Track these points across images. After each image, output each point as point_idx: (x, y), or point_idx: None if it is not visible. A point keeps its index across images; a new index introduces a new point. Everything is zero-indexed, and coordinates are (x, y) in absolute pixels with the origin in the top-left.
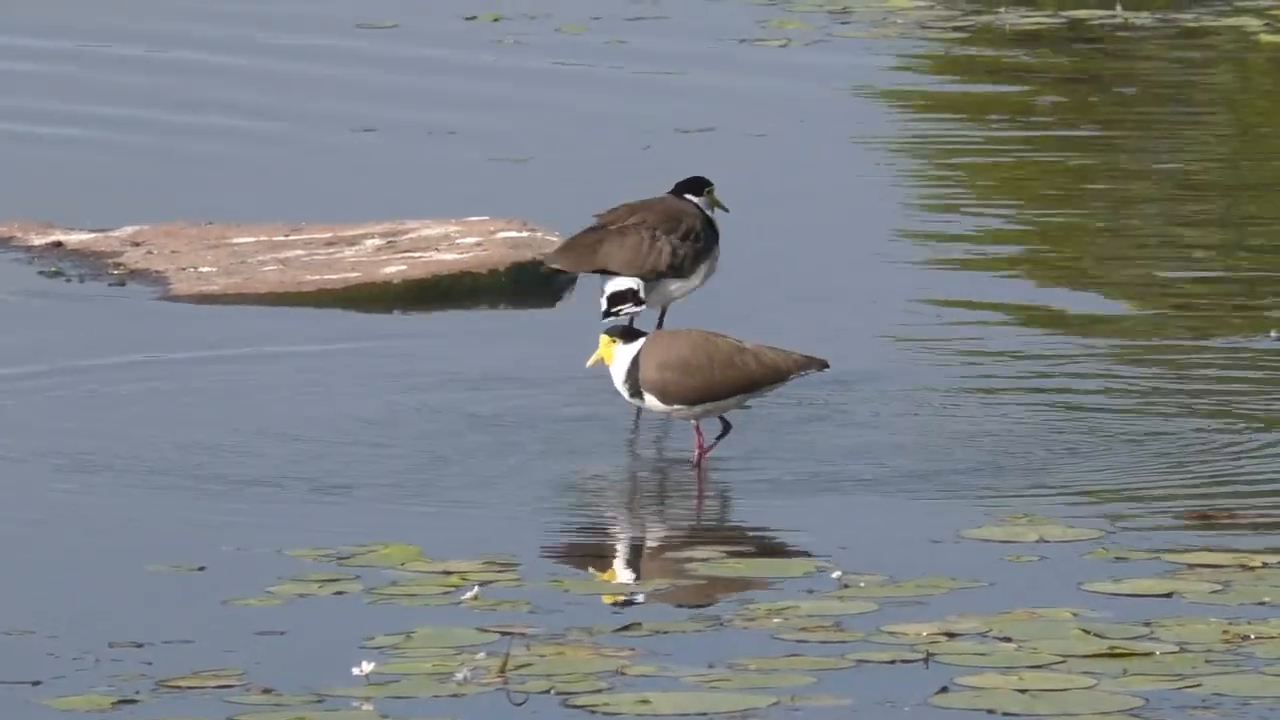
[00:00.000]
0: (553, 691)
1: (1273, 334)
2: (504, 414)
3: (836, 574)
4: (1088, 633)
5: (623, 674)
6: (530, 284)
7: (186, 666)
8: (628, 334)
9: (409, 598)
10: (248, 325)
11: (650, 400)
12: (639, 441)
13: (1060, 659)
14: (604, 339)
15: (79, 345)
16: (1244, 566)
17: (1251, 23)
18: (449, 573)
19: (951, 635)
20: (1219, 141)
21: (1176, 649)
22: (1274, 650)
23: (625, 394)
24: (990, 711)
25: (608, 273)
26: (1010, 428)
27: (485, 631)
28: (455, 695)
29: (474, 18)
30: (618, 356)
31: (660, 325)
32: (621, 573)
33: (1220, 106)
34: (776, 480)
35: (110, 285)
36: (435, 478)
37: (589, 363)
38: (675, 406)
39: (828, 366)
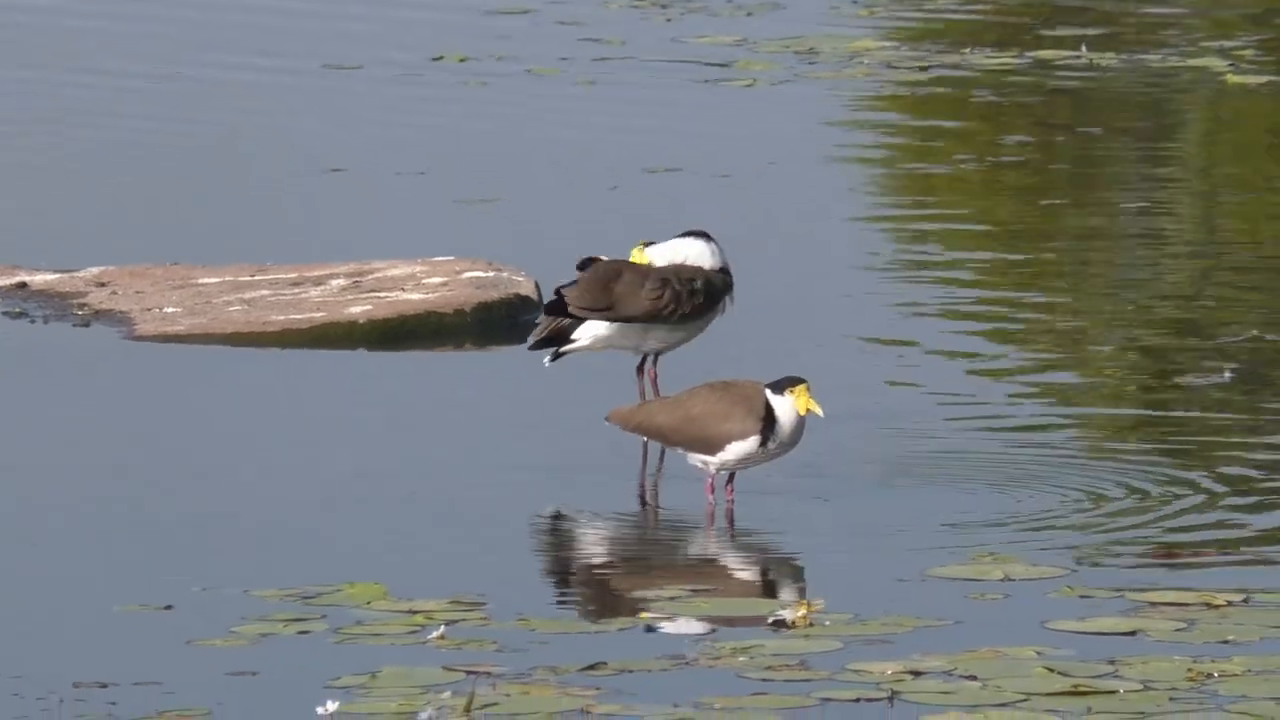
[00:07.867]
0: None
1: (1225, 374)
2: (469, 453)
3: (802, 612)
4: (1052, 671)
5: (588, 713)
6: (496, 324)
7: (152, 707)
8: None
9: (375, 637)
10: (211, 365)
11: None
12: (608, 482)
13: (1024, 697)
14: None
15: (43, 385)
16: (1208, 605)
17: (1217, 63)
18: (415, 612)
19: (916, 674)
20: (1187, 180)
21: (1140, 687)
22: (1238, 689)
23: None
24: None
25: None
26: (975, 466)
27: (451, 670)
28: None
29: (441, 58)
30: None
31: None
32: (588, 611)
33: (1187, 145)
34: (742, 520)
35: (75, 326)
36: (401, 516)
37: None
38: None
39: None
